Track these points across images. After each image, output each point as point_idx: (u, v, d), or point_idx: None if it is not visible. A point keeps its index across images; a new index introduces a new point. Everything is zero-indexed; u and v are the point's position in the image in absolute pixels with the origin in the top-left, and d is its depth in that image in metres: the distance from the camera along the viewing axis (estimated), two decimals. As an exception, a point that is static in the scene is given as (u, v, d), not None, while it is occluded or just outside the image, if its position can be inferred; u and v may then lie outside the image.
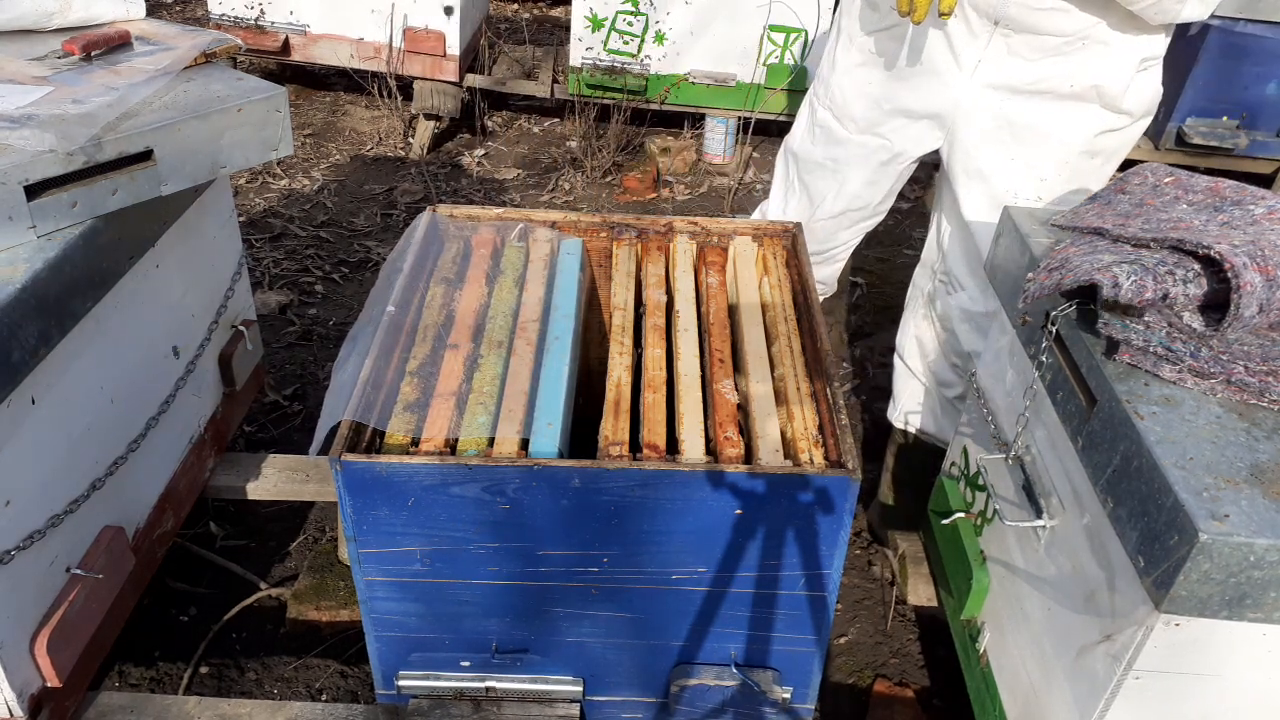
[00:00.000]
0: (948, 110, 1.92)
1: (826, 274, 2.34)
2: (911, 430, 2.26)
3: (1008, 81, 1.82)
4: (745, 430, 1.46)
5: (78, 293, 1.46)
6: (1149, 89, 1.83)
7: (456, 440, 1.40)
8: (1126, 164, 1.99)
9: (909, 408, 2.25)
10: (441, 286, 1.72)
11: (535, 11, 5.79)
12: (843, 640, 2.14)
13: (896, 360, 2.26)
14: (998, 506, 1.63)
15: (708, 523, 1.38)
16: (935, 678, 2.06)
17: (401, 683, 1.57)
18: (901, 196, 2.65)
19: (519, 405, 1.46)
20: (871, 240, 3.57)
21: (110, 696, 1.69)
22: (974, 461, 1.79)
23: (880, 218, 2.22)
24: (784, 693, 1.55)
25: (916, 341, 2.19)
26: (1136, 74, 1.78)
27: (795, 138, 2.19)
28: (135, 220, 1.60)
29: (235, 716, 1.69)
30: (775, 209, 2.28)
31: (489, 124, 4.40)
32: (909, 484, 2.29)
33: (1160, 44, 1.77)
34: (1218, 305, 1.21)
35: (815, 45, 3.90)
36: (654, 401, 1.50)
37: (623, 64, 4.01)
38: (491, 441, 1.40)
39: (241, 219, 3.49)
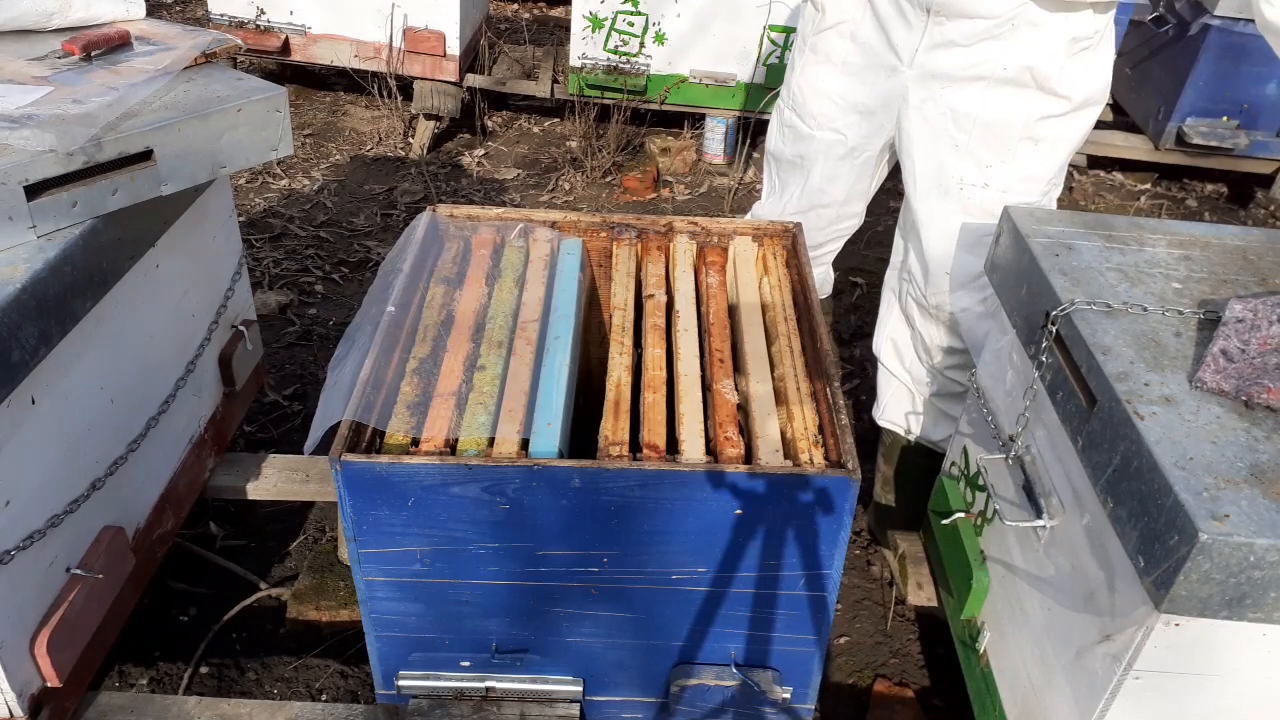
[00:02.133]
0: (895, 103, 1.95)
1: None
2: (897, 431, 2.26)
3: (945, 69, 1.84)
4: (745, 430, 1.46)
5: (78, 293, 1.46)
6: (1088, 73, 1.81)
7: (456, 440, 1.40)
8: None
9: (892, 408, 2.26)
10: (441, 286, 1.72)
11: (535, 11, 5.79)
12: (843, 640, 2.14)
13: (879, 363, 2.27)
14: (998, 506, 1.63)
15: (708, 523, 1.38)
16: (935, 678, 2.06)
17: (401, 683, 1.57)
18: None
19: (519, 405, 1.46)
20: (871, 240, 3.58)
21: (110, 696, 1.69)
22: (974, 461, 1.79)
23: (853, 221, 2.23)
24: (784, 693, 1.55)
25: (891, 343, 2.20)
26: (1071, 56, 1.77)
27: (771, 139, 2.22)
28: (135, 220, 1.60)
29: (235, 716, 1.68)
30: (757, 207, 2.31)
31: (489, 124, 4.40)
32: (901, 484, 2.29)
33: (1090, 23, 1.76)
34: None
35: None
36: (654, 401, 1.50)
37: (623, 64, 4.01)
38: (491, 441, 1.40)
39: (241, 219, 3.49)
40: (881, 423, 2.29)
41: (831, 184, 2.12)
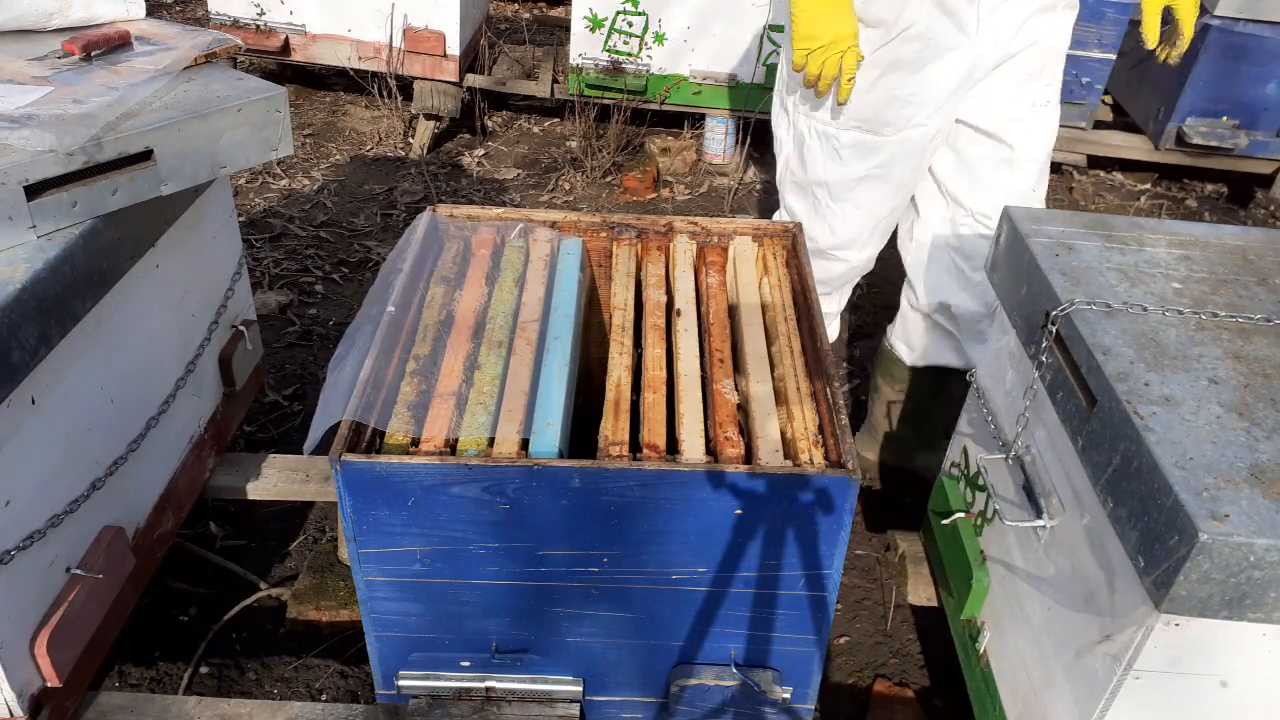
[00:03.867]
0: (964, 84, 2.02)
1: (843, 301, 2.40)
2: (909, 360, 2.35)
3: (1007, 23, 1.95)
4: (745, 430, 1.46)
5: (78, 293, 1.46)
6: None
7: (456, 440, 1.40)
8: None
9: (910, 334, 2.34)
10: (441, 286, 1.72)
11: (535, 11, 5.79)
12: (843, 640, 2.14)
13: (906, 286, 2.36)
14: (998, 506, 1.64)
15: (708, 523, 1.38)
16: (935, 678, 2.06)
17: (401, 683, 1.57)
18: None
19: (519, 405, 1.46)
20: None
21: (110, 696, 1.69)
22: (974, 461, 1.79)
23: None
24: (784, 693, 1.55)
25: (915, 244, 2.27)
26: None
27: (817, 168, 2.15)
28: (135, 220, 1.60)
29: (235, 716, 1.69)
30: (828, 236, 2.27)
31: (489, 124, 4.40)
32: (909, 413, 2.39)
33: None
34: None
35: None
36: (654, 401, 1.50)
37: (623, 64, 4.01)
38: (491, 441, 1.40)
39: (241, 219, 3.49)
40: (900, 352, 2.39)
41: (915, 173, 2.15)
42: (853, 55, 1.87)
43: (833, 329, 2.51)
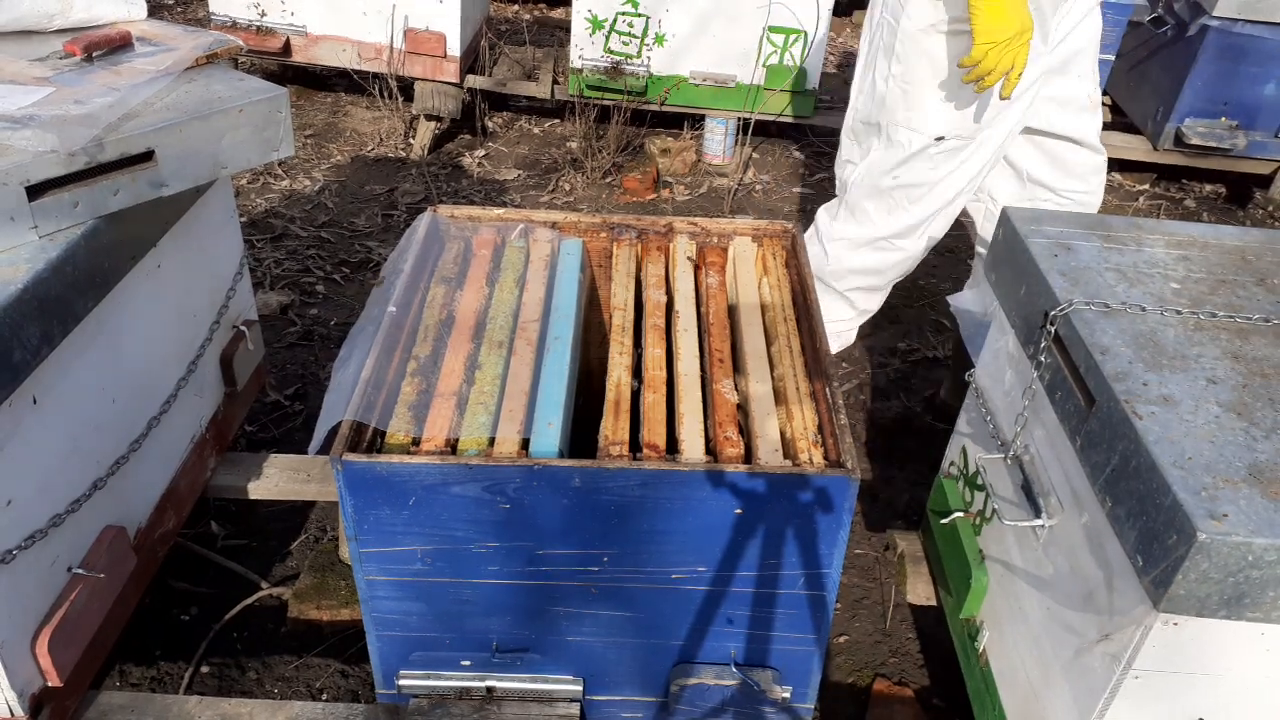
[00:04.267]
0: (1035, 80, 2.10)
1: (882, 299, 2.50)
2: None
3: (1061, 30, 2.07)
4: (745, 430, 1.47)
5: (79, 293, 1.46)
6: None
7: (457, 440, 1.41)
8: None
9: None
10: (442, 287, 1.72)
11: (535, 13, 5.80)
12: (842, 639, 2.15)
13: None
14: (996, 506, 1.64)
15: (708, 523, 1.38)
16: (935, 677, 2.07)
17: (402, 682, 1.57)
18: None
19: (519, 405, 1.46)
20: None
21: (111, 696, 1.70)
22: (973, 461, 1.80)
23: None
24: (783, 692, 1.55)
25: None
26: None
27: (907, 174, 2.21)
28: (137, 220, 1.61)
29: (236, 716, 1.69)
30: (868, 229, 2.32)
31: (490, 125, 4.40)
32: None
33: None
34: None
35: (814, 47, 3.90)
36: (654, 401, 1.50)
37: (623, 65, 4.01)
38: (492, 441, 1.41)
39: (243, 219, 3.49)
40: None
41: (986, 170, 2.23)
42: (1027, 48, 1.91)
43: (850, 336, 2.56)
